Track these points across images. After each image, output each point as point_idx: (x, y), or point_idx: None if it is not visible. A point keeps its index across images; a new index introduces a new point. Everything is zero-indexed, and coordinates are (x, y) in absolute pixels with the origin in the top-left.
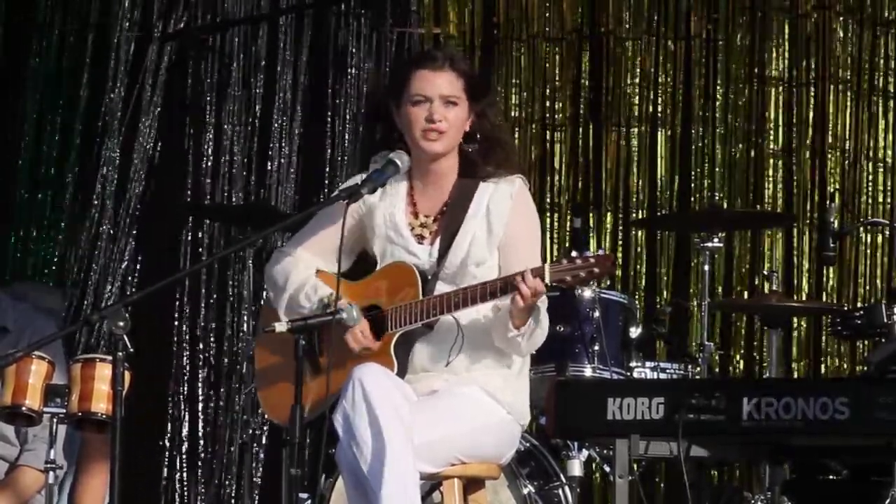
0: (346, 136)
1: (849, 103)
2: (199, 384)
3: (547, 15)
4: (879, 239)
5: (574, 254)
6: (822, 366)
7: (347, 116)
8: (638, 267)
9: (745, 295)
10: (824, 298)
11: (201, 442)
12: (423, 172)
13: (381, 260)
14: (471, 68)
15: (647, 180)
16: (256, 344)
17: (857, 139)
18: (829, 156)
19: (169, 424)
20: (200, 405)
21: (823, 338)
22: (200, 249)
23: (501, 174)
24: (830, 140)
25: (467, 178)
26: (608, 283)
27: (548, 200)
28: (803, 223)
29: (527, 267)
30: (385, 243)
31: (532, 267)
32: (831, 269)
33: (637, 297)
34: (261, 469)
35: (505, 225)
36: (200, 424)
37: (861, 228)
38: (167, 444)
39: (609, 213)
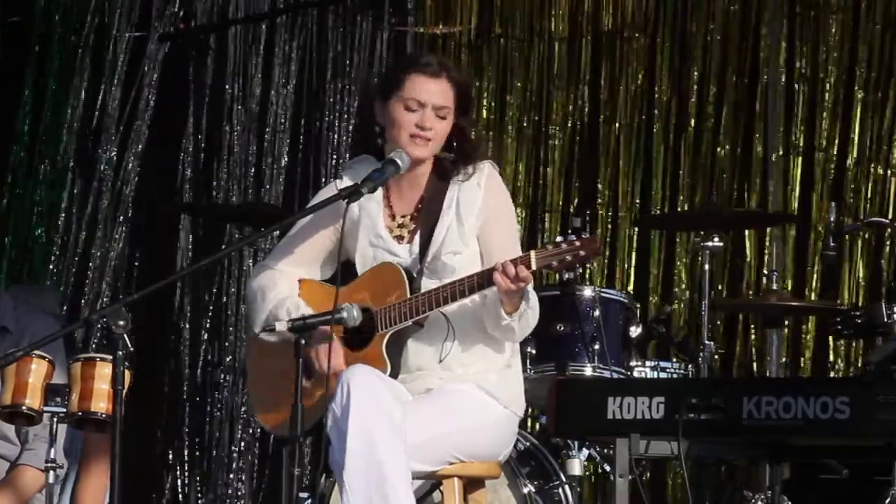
0: (344, 136)
1: (845, 101)
2: (199, 383)
3: (545, 14)
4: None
5: (559, 238)
6: (822, 365)
7: (346, 115)
8: (634, 267)
9: (744, 294)
10: (824, 298)
11: (202, 441)
12: (401, 174)
13: (365, 264)
14: (464, 79)
15: (644, 180)
16: (249, 354)
17: (857, 138)
18: (829, 155)
19: (163, 426)
20: (200, 405)
21: (823, 337)
22: (205, 249)
23: (469, 162)
24: (829, 139)
25: (441, 174)
26: (591, 268)
27: (543, 199)
28: (803, 223)
29: (505, 251)
30: (367, 248)
31: (510, 251)
32: (832, 268)
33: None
34: (264, 468)
35: (478, 212)
36: (205, 425)
37: (861, 228)
38: (167, 443)
39: (605, 213)
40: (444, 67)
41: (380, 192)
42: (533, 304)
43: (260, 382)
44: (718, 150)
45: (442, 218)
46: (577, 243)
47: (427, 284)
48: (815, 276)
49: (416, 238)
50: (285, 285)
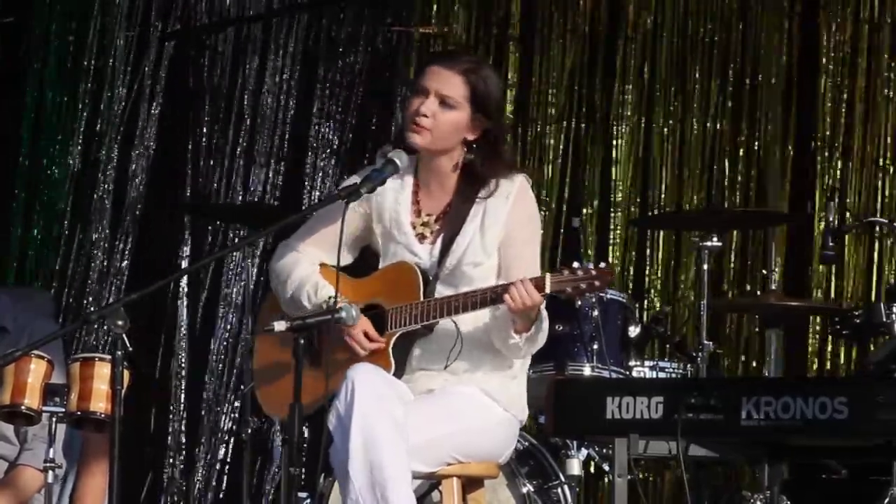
0: (337, 135)
1: (844, 100)
2: (197, 383)
3: (542, 13)
4: (878, 238)
5: (576, 265)
6: (821, 365)
7: (341, 114)
8: (631, 266)
9: (743, 294)
10: (823, 297)
11: (204, 442)
12: (426, 170)
13: (384, 258)
14: (486, 84)
15: (642, 179)
16: (256, 339)
17: (856, 137)
18: (828, 154)
19: (165, 424)
20: (199, 404)
21: (823, 337)
22: (204, 248)
23: (503, 174)
24: (827, 138)
25: (470, 180)
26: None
27: (542, 198)
28: (802, 222)
29: (523, 268)
30: (388, 241)
31: (529, 268)
32: (831, 268)
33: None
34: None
35: (503, 224)
36: (211, 427)
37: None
38: (166, 442)
39: (602, 212)
40: (465, 64)
41: (410, 186)
42: (544, 326)
43: (263, 362)
44: (720, 149)
45: (466, 227)
46: (593, 272)
47: (442, 291)
48: (814, 275)
49: (439, 241)
50: (306, 267)
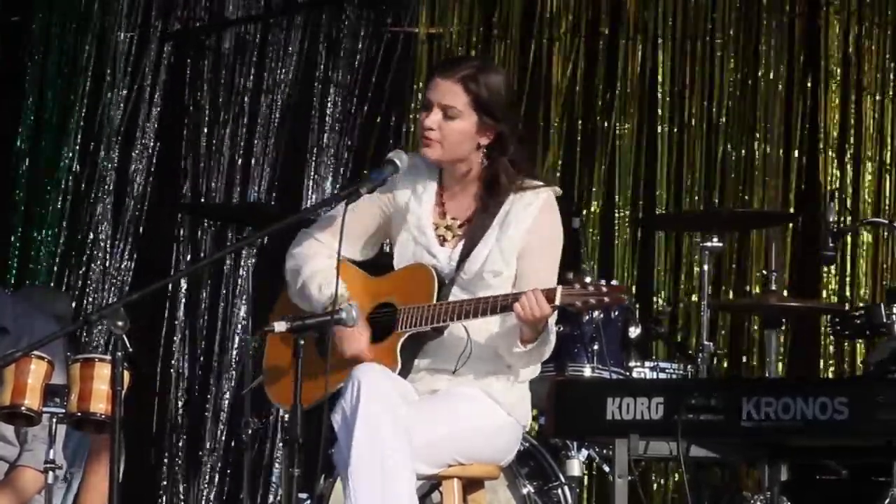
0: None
1: (846, 101)
2: (197, 383)
3: (543, 14)
4: (878, 238)
5: (588, 279)
6: (821, 366)
7: (339, 116)
8: (633, 267)
9: (744, 295)
10: (829, 298)
11: (209, 443)
12: (448, 176)
13: (402, 257)
14: (488, 89)
15: (647, 179)
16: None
17: (856, 138)
18: (829, 155)
19: (168, 424)
20: (199, 404)
21: (823, 338)
22: (202, 250)
23: (531, 185)
24: (829, 139)
25: (493, 187)
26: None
27: None
28: (803, 223)
29: (538, 278)
30: (408, 241)
31: (544, 280)
32: (836, 269)
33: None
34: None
35: (526, 232)
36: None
37: (861, 228)
38: (166, 443)
39: (604, 213)
40: (464, 70)
41: (434, 188)
42: (550, 338)
43: (274, 354)
44: (721, 149)
45: (487, 236)
46: (605, 289)
47: (457, 295)
48: (821, 276)
49: (459, 247)
50: (323, 259)
